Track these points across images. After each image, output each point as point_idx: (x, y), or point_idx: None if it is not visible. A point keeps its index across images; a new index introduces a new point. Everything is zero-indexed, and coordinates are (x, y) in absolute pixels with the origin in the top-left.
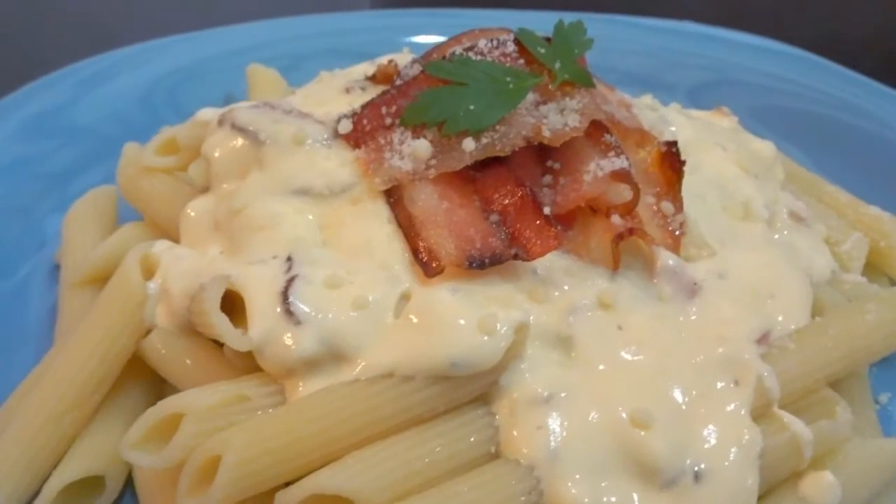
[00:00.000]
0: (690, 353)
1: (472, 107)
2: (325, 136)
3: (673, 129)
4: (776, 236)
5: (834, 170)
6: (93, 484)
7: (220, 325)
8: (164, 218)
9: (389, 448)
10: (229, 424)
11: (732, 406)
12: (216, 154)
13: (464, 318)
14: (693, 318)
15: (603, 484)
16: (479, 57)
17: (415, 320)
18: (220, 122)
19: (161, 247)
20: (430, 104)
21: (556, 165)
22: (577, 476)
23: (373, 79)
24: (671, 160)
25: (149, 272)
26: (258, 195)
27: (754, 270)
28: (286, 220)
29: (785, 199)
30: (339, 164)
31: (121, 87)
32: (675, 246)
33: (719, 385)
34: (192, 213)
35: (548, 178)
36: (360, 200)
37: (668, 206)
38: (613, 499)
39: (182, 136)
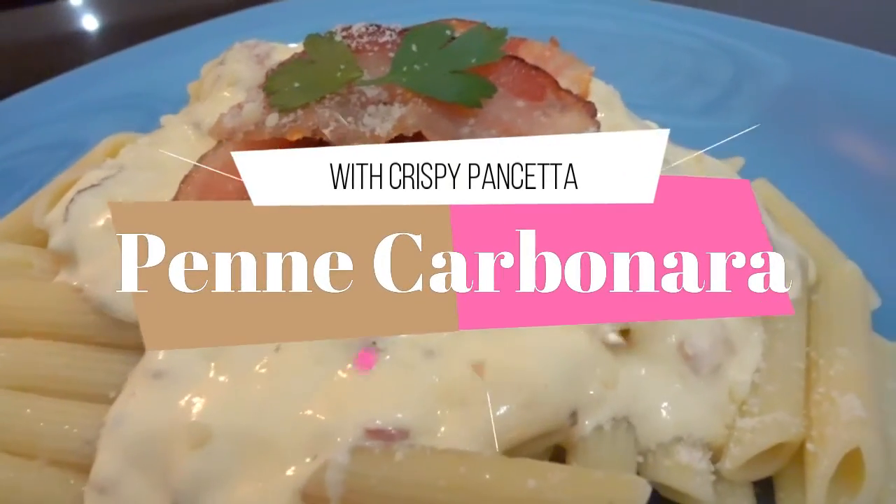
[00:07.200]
0: (300, 405)
1: (297, 85)
2: (255, 85)
3: None
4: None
5: None
6: None
7: (37, 202)
8: None
9: (27, 346)
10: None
11: (285, 477)
12: (207, 83)
13: None
14: (349, 375)
15: (125, 476)
16: (347, 40)
17: None
18: None
19: (143, 141)
20: (280, 74)
21: None
22: (113, 454)
23: None
24: None
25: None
26: (177, 121)
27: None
28: (165, 145)
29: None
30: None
31: None
32: None
33: (294, 451)
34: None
35: None
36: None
37: None
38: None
39: None
